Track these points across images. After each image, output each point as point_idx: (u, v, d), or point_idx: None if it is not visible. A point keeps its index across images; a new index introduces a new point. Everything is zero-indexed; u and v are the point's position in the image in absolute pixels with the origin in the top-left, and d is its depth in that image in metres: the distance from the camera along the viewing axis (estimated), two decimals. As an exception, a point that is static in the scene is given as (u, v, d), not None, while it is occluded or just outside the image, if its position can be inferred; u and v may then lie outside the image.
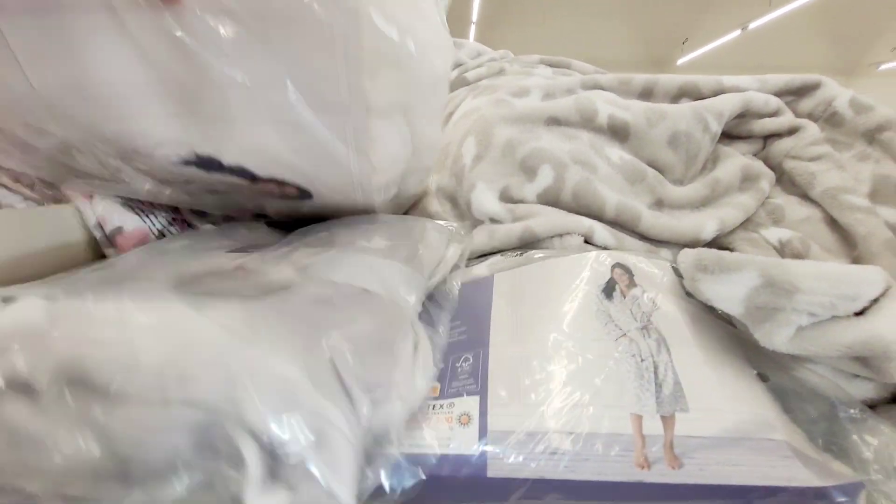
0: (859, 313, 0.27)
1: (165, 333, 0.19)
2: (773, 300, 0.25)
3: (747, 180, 0.49)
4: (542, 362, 0.26)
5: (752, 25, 5.41)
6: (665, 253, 0.46)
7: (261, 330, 0.21)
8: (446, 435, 0.23)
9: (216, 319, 0.20)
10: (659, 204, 0.47)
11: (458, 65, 0.73)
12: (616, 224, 0.45)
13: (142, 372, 0.17)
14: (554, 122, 0.49)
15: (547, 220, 0.42)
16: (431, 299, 0.33)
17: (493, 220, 0.46)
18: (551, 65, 0.71)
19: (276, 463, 0.16)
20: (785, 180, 0.51)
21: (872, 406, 0.29)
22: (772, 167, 0.52)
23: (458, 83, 0.69)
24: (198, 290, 0.24)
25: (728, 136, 0.55)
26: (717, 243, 0.49)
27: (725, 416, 0.25)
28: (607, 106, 0.49)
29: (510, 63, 0.71)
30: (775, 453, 0.24)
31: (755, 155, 0.54)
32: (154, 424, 0.15)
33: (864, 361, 0.26)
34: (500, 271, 0.35)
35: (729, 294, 0.27)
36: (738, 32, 5.62)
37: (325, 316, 0.24)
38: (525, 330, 0.28)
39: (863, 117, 0.51)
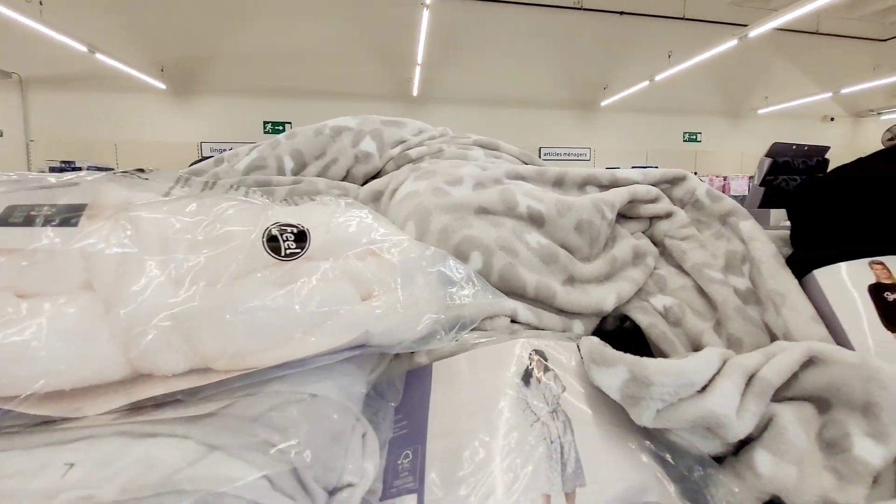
0: (702, 390, 0.36)
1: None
2: (636, 391, 0.34)
3: (637, 257, 0.60)
4: (472, 454, 0.32)
5: (658, 77, 6.20)
6: (578, 324, 0.56)
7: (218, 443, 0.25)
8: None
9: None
10: (571, 280, 0.56)
11: (400, 142, 0.80)
12: (536, 301, 0.53)
13: None
14: (483, 211, 0.57)
15: (477, 306, 0.50)
16: (377, 389, 0.39)
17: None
18: (483, 146, 0.81)
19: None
20: (666, 254, 0.64)
21: (723, 457, 0.39)
22: (656, 243, 0.65)
23: (401, 160, 0.77)
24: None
25: (624, 216, 0.67)
26: (618, 311, 0.59)
27: (613, 486, 0.32)
28: (525, 198, 0.58)
29: (447, 144, 0.79)
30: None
31: (644, 232, 0.66)
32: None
33: (711, 430, 0.35)
34: (437, 359, 0.42)
35: (609, 383, 0.35)
36: (646, 83, 6.41)
37: (280, 424, 0.28)
38: (459, 421, 0.35)
39: (716, 204, 0.65)
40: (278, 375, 0.31)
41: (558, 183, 0.66)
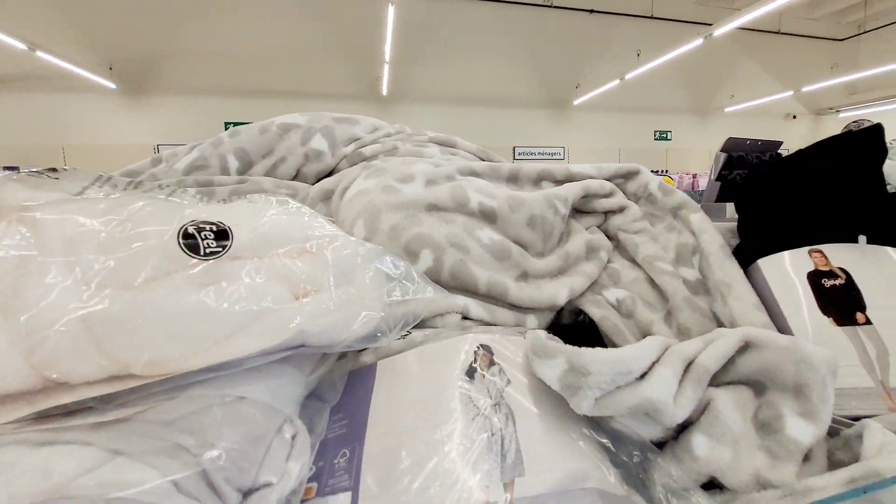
0: (642, 377, 0.37)
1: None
2: (574, 380, 0.34)
3: (591, 251, 0.61)
4: (411, 451, 0.31)
5: (628, 76, 6.33)
6: (531, 319, 0.56)
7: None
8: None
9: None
10: (524, 276, 0.56)
11: (354, 139, 0.79)
12: (489, 297, 0.53)
13: None
14: (434, 208, 0.57)
15: (423, 302, 0.49)
16: (317, 390, 0.38)
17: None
18: (440, 143, 0.81)
19: None
20: (620, 248, 0.65)
21: (664, 442, 0.40)
22: (610, 237, 0.65)
23: (355, 157, 0.75)
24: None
25: (579, 211, 0.67)
26: (572, 304, 0.60)
27: (553, 475, 0.32)
28: (477, 194, 0.58)
29: (403, 141, 0.79)
30: (585, 499, 0.32)
31: (599, 226, 0.67)
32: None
33: (649, 416, 0.36)
34: (383, 357, 0.41)
35: (549, 374, 0.35)
36: (617, 81, 6.54)
37: (195, 427, 0.27)
38: (400, 420, 0.34)
39: (668, 198, 0.67)
40: (202, 379, 0.30)
41: (513, 179, 0.66)
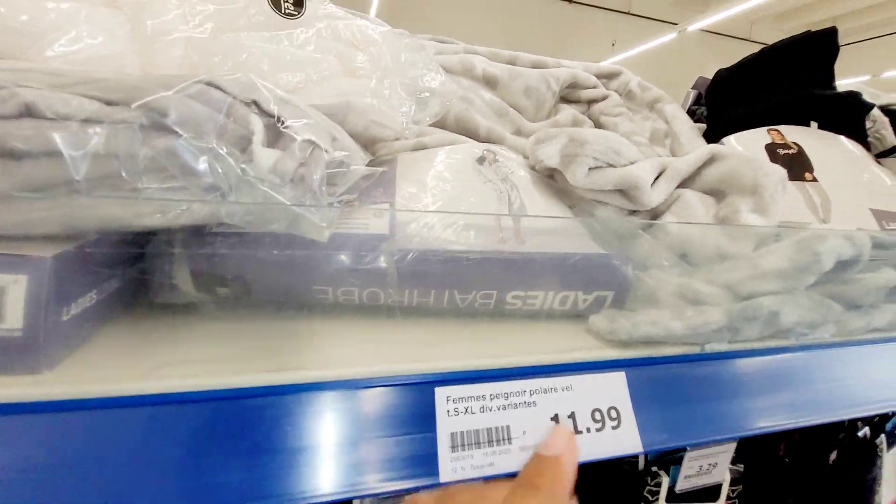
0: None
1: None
2: (573, 149, 0.39)
3: (577, 124, 0.66)
4: (433, 190, 0.36)
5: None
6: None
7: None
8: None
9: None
10: (518, 133, 0.62)
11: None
12: (488, 142, 0.58)
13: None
14: (443, 70, 0.61)
15: (435, 137, 0.54)
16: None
17: (396, 136, 0.55)
18: (440, 42, 0.84)
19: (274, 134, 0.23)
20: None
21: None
22: (594, 122, 0.72)
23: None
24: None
25: (566, 100, 0.73)
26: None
27: (550, 220, 0.38)
28: (482, 62, 0.63)
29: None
30: (576, 238, 0.37)
31: (583, 113, 0.73)
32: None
33: (626, 195, 0.42)
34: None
35: (551, 151, 0.41)
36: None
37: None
38: (424, 175, 0.39)
39: (646, 94, 0.73)
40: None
41: (511, 62, 0.70)
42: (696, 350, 0.35)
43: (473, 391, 0.26)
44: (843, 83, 0.83)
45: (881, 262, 0.45)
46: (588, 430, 0.28)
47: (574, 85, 0.72)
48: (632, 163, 0.43)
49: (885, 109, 0.76)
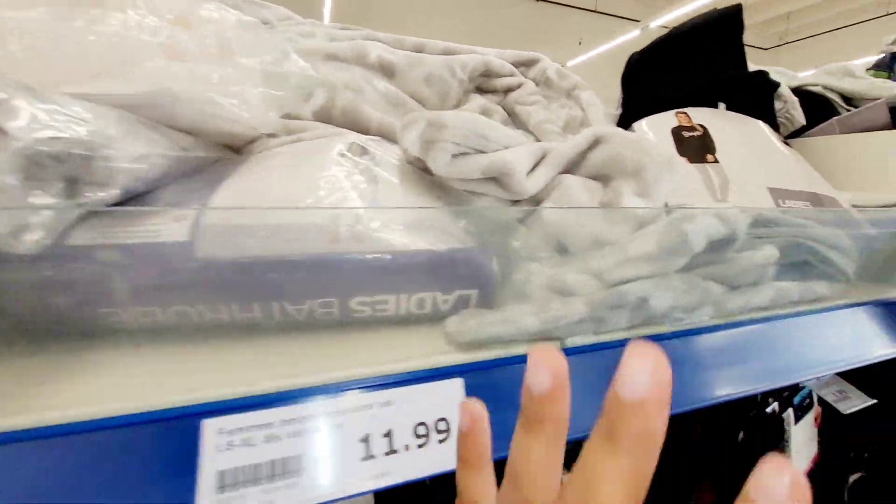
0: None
1: None
2: (431, 134, 0.36)
3: (485, 113, 0.64)
4: (268, 189, 0.33)
5: (569, 63, 6.60)
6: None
7: None
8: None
9: None
10: (418, 127, 0.58)
11: (264, 23, 0.77)
12: (379, 135, 0.54)
13: None
14: (332, 58, 0.58)
15: (316, 132, 0.50)
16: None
17: (270, 135, 0.51)
18: (342, 29, 0.81)
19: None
20: (517, 120, 0.68)
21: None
22: (509, 112, 0.69)
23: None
24: None
25: (482, 90, 0.70)
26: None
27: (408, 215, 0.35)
28: (377, 49, 0.59)
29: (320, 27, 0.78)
30: (437, 233, 0.34)
31: (499, 103, 0.70)
32: None
33: (499, 183, 0.39)
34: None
35: (411, 137, 0.37)
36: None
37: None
38: (262, 177, 0.35)
39: (564, 81, 0.71)
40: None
41: (417, 51, 0.67)
42: (557, 345, 0.32)
43: (256, 419, 0.23)
44: (801, 76, 0.83)
45: (766, 240, 0.43)
46: (406, 447, 0.25)
47: (488, 73, 0.69)
48: (507, 148, 0.40)
49: (799, 90, 0.76)
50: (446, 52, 0.69)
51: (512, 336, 0.31)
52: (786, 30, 8.64)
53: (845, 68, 0.75)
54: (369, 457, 0.24)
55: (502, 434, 0.27)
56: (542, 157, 0.42)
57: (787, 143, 0.63)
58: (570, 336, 0.33)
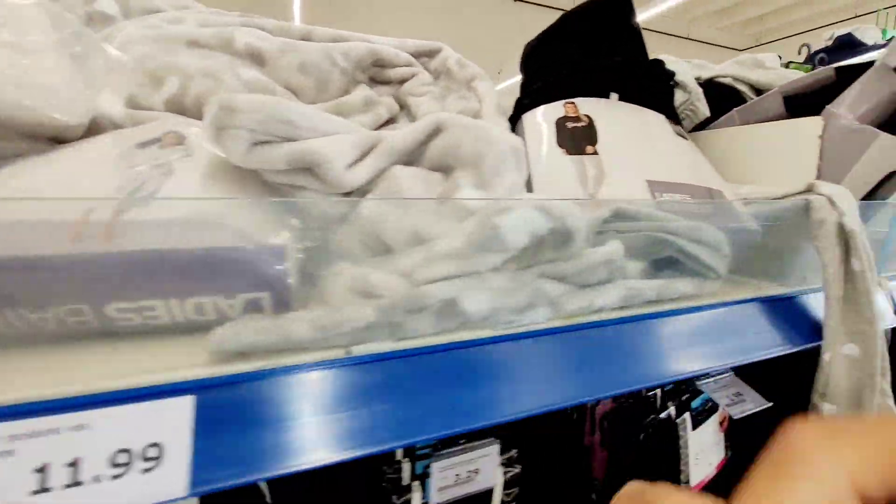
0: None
1: None
2: (222, 119, 0.33)
3: (369, 105, 0.60)
4: (33, 184, 0.29)
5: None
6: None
7: None
8: None
9: None
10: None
11: (156, 11, 0.73)
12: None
13: None
14: (195, 44, 0.54)
15: (160, 123, 0.46)
16: None
17: (116, 126, 0.47)
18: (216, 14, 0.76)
19: None
20: (410, 114, 0.65)
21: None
22: (402, 105, 0.66)
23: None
24: None
25: (375, 80, 0.67)
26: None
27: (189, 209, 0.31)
28: (246, 36, 0.56)
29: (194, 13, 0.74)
30: (223, 230, 0.31)
31: (392, 95, 0.67)
32: None
33: (313, 174, 0.36)
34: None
35: (205, 122, 0.34)
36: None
37: None
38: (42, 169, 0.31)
39: (464, 71, 0.68)
40: None
41: (305, 38, 0.64)
42: (340, 354, 0.29)
43: None
44: (719, 68, 0.81)
45: (625, 235, 0.41)
46: (96, 478, 0.22)
47: (381, 63, 0.66)
48: (325, 136, 0.36)
49: (710, 82, 0.75)
50: (334, 38, 0.65)
51: (274, 345, 0.27)
52: (761, 31, 8.76)
53: (756, 59, 0.74)
54: (42, 490, 0.21)
55: (236, 461, 0.24)
56: (372, 148, 0.39)
57: (684, 136, 0.61)
58: (358, 343, 0.30)
